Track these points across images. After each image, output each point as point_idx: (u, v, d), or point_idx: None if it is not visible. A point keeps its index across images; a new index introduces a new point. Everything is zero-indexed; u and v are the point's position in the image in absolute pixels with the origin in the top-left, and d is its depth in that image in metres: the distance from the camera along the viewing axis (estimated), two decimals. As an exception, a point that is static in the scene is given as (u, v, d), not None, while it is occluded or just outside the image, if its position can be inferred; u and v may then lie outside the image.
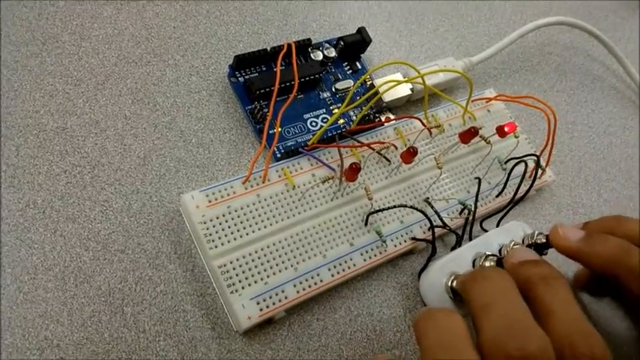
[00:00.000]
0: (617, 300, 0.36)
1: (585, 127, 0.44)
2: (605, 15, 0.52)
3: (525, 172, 0.33)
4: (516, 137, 0.35)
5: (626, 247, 0.27)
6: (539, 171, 0.33)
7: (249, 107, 0.32)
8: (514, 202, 0.33)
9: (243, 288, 0.27)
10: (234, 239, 0.28)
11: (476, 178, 0.34)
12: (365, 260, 0.30)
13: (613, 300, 0.36)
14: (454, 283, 0.29)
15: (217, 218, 0.28)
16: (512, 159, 0.34)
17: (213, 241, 0.27)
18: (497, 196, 0.35)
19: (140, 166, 0.30)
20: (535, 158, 0.33)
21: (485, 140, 0.34)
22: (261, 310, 0.27)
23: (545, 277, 0.25)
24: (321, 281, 0.28)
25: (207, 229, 0.27)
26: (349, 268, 0.29)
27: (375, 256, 0.30)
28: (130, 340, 0.26)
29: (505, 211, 0.33)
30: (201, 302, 0.27)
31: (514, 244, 0.31)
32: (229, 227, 0.28)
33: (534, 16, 0.43)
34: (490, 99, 0.37)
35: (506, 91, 0.41)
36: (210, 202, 0.28)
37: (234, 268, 0.27)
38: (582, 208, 0.40)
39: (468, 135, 0.32)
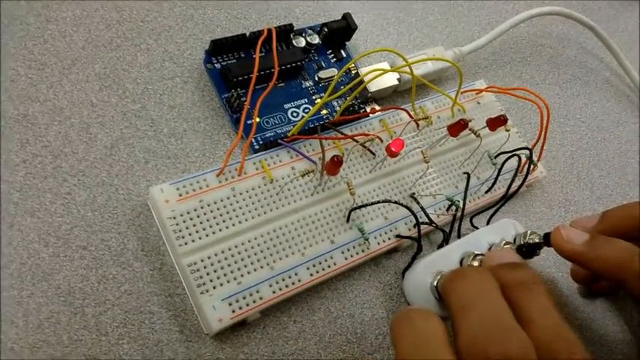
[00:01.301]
0: (610, 300, 0.35)
1: (578, 122, 0.43)
2: (599, 7, 0.50)
3: (520, 166, 0.31)
4: (507, 131, 0.33)
5: (633, 251, 0.26)
6: (531, 166, 0.32)
7: (226, 95, 0.30)
8: (507, 198, 0.31)
9: (214, 288, 0.25)
10: (206, 236, 0.26)
11: (464, 173, 0.32)
12: (346, 259, 0.28)
13: (606, 301, 0.35)
14: (440, 283, 0.28)
15: (188, 213, 0.26)
16: (502, 153, 0.33)
17: (182, 237, 0.25)
18: (486, 192, 0.33)
19: (106, 156, 0.28)
20: (527, 152, 0.31)
21: (474, 133, 0.32)
22: (233, 311, 0.25)
23: (524, 281, 0.24)
24: (299, 281, 0.27)
25: (177, 224, 0.26)
26: (329, 267, 0.27)
27: (357, 254, 0.28)
28: (90, 343, 0.24)
29: (496, 207, 0.32)
30: (169, 303, 0.26)
31: (505, 244, 0.30)
32: (201, 223, 0.26)
33: (527, 7, 0.42)
34: (480, 90, 0.35)
35: (497, 83, 0.39)
36: (180, 195, 0.26)
37: (205, 267, 0.25)
38: (574, 206, 0.38)
39: (458, 128, 0.30)
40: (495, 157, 0.33)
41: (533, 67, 0.43)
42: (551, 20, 0.46)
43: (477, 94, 0.36)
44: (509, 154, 0.31)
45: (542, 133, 0.33)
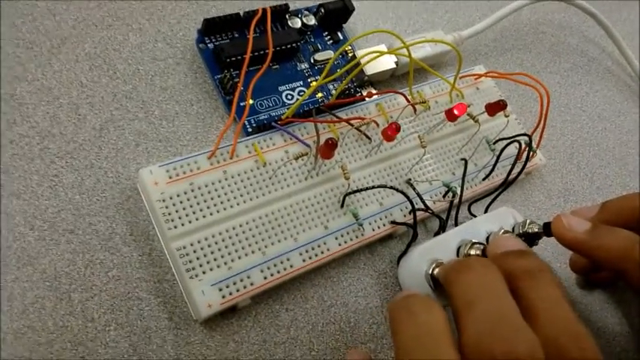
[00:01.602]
0: (608, 292, 0.34)
1: (579, 111, 0.42)
2: (603, -5, 0.49)
3: (519, 153, 0.30)
4: (506, 117, 0.32)
5: (635, 240, 0.25)
6: (531, 153, 0.31)
7: (219, 76, 0.29)
8: (506, 185, 0.30)
9: (204, 273, 0.24)
10: (196, 220, 0.25)
11: (462, 159, 0.32)
12: (340, 245, 0.27)
13: (604, 293, 0.34)
14: (435, 271, 0.27)
15: (178, 196, 0.25)
16: (501, 139, 0.32)
17: (172, 220, 0.25)
18: (484, 179, 0.32)
19: (95, 138, 0.27)
20: (527, 138, 0.30)
21: (473, 119, 0.31)
22: (223, 297, 0.24)
23: (530, 270, 0.23)
24: (292, 267, 0.26)
25: (167, 207, 0.25)
26: (322, 253, 0.27)
27: (352, 240, 0.28)
28: (76, 330, 0.23)
29: (495, 195, 0.31)
30: (158, 289, 0.25)
31: (503, 233, 0.29)
32: (191, 206, 0.25)
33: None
34: (480, 75, 0.35)
35: (497, 69, 0.39)
36: (170, 178, 0.25)
37: (194, 251, 0.25)
38: (573, 196, 0.37)
39: (453, 113, 0.30)
40: (494, 143, 0.33)
41: (534, 54, 0.42)
42: (553, 7, 0.45)
43: (475, 79, 0.35)
44: (509, 141, 0.31)
45: (542, 119, 0.32)
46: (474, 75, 0.35)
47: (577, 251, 0.27)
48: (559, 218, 0.27)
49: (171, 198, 0.25)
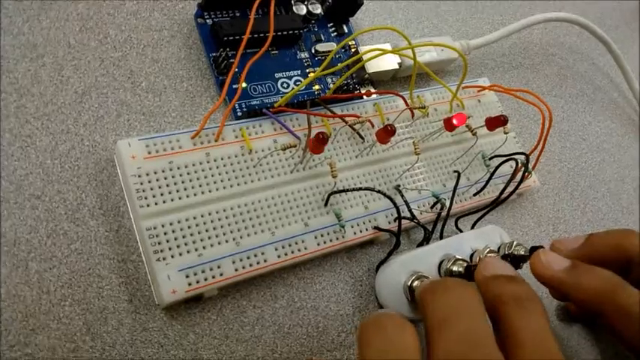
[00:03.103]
0: (587, 328, 0.33)
1: (579, 139, 0.41)
2: (617, 25, 0.49)
3: (515, 172, 0.29)
4: (506, 133, 0.31)
5: (615, 282, 0.24)
6: (525, 173, 0.30)
7: (214, 54, 0.28)
8: (497, 203, 0.29)
9: (172, 257, 0.23)
10: (171, 200, 0.24)
11: (455, 171, 0.31)
12: (319, 245, 0.26)
13: (583, 328, 0.33)
14: (415, 284, 0.26)
15: (155, 173, 0.24)
16: (498, 156, 0.31)
17: (145, 198, 0.23)
18: (474, 195, 0.31)
19: (76, 103, 0.26)
20: (524, 158, 0.29)
21: (471, 131, 0.30)
22: (189, 284, 0.23)
23: (519, 297, 0.22)
24: (265, 261, 0.25)
25: (141, 183, 0.24)
26: (299, 250, 0.25)
27: (331, 241, 0.26)
28: (29, 301, 0.22)
29: (484, 212, 0.30)
30: (121, 269, 0.24)
31: (489, 252, 0.28)
32: (167, 186, 0.24)
33: (544, 11, 0.40)
34: (483, 88, 0.34)
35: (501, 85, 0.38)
36: (149, 153, 0.24)
37: (165, 233, 0.23)
38: (563, 224, 0.37)
39: (452, 123, 0.28)
40: (490, 159, 0.32)
41: (541, 75, 0.41)
42: (566, 30, 0.44)
43: (478, 91, 0.34)
44: (506, 158, 0.30)
45: (542, 140, 0.31)
46: (478, 87, 0.34)
47: (554, 290, 0.26)
48: (537, 255, 0.26)
49: (147, 174, 0.24)
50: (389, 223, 0.28)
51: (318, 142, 0.25)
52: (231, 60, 0.28)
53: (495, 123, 0.30)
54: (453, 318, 0.20)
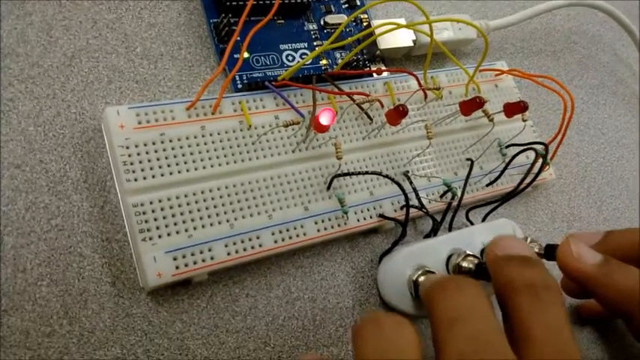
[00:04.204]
0: (600, 331, 0.31)
1: (598, 133, 0.39)
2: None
3: (534, 163, 0.28)
4: (524, 121, 0.29)
5: None
6: (543, 165, 0.28)
7: (215, 20, 0.26)
8: (513, 195, 0.27)
9: (159, 237, 0.21)
10: (161, 175, 0.22)
11: (467, 159, 0.29)
12: (319, 231, 0.24)
13: (595, 331, 0.31)
14: (420, 279, 0.24)
15: (145, 145, 0.22)
16: (514, 145, 0.29)
17: (133, 172, 0.22)
18: (487, 185, 0.29)
19: (64, 66, 0.24)
20: (542, 148, 0.27)
21: (488, 117, 0.28)
22: (177, 267, 0.21)
23: (533, 285, 0.20)
24: (260, 246, 0.23)
25: (129, 155, 0.22)
26: (298, 236, 0.24)
27: (332, 228, 0.24)
28: (2, 279, 0.20)
29: (497, 204, 0.28)
30: (105, 248, 0.22)
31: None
32: (158, 159, 0.22)
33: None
34: (502, 72, 0.31)
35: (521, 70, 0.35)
36: (139, 123, 0.22)
37: (153, 211, 0.21)
38: (578, 222, 0.35)
39: (471, 105, 0.26)
40: (506, 147, 0.30)
41: (561, 63, 0.39)
42: (589, 17, 0.42)
43: (496, 75, 0.32)
44: (524, 147, 0.28)
45: (563, 130, 0.29)
46: (496, 70, 0.32)
47: (582, 285, 0.24)
48: (567, 244, 0.23)
49: (136, 146, 0.22)
50: (395, 211, 0.26)
51: (397, 115, 0.23)
52: (233, 27, 0.26)
53: (514, 109, 0.27)
54: (465, 317, 0.18)
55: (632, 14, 0.45)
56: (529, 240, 0.27)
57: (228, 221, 0.23)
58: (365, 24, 0.29)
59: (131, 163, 0.22)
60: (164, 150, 0.22)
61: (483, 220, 0.29)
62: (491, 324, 0.19)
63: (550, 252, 0.25)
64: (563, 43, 0.40)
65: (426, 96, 0.28)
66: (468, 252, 0.25)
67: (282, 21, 0.27)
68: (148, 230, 0.21)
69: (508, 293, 0.20)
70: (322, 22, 0.28)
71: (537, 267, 0.21)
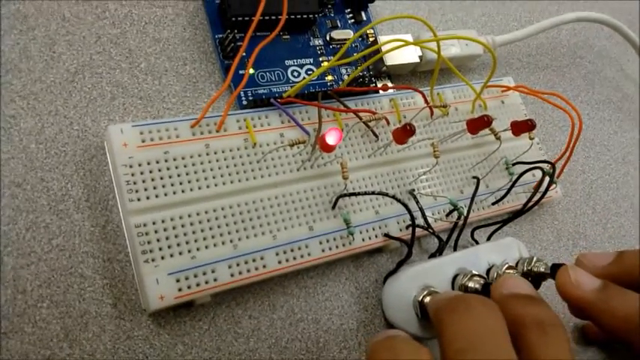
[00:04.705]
0: (605, 352, 0.31)
1: (604, 149, 0.39)
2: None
3: (540, 182, 0.27)
4: (531, 139, 0.29)
5: None
6: (549, 184, 0.28)
7: (220, 36, 0.26)
8: (520, 214, 0.27)
9: (162, 258, 0.21)
10: (165, 195, 0.22)
11: (474, 177, 0.28)
12: (324, 251, 0.24)
13: (600, 352, 0.31)
14: (426, 300, 0.24)
15: (148, 164, 0.22)
16: (520, 162, 0.28)
17: (136, 191, 0.21)
18: (493, 204, 0.29)
19: (67, 82, 0.23)
20: (549, 167, 0.27)
21: (495, 135, 0.28)
22: (180, 290, 0.21)
23: (541, 322, 0.20)
24: (264, 267, 0.22)
25: (132, 175, 0.21)
26: (302, 257, 0.23)
27: (337, 248, 0.24)
28: (3, 300, 0.20)
29: (502, 223, 0.28)
30: (106, 269, 0.21)
31: (507, 267, 0.26)
32: (161, 179, 0.22)
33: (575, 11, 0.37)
34: (509, 88, 0.31)
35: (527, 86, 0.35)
36: (143, 142, 0.22)
37: (155, 232, 0.21)
38: (584, 241, 0.34)
39: (479, 124, 0.26)
40: (513, 165, 0.29)
41: (567, 79, 0.39)
42: (595, 32, 0.42)
43: (503, 91, 0.31)
44: (531, 166, 0.27)
45: (570, 148, 0.29)
46: (502, 87, 0.31)
47: (582, 311, 0.24)
48: (565, 271, 0.24)
49: (139, 165, 0.21)
50: (400, 230, 0.26)
51: (405, 134, 0.23)
52: (239, 43, 0.25)
53: (522, 128, 0.27)
54: (477, 344, 0.18)
55: (639, 29, 0.45)
56: (535, 259, 0.26)
57: (232, 242, 0.22)
58: (372, 40, 0.29)
59: (134, 183, 0.21)
60: (168, 169, 0.22)
61: (489, 238, 0.29)
62: (504, 350, 0.18)
63: (556, 271, 0.25)
64: (569, 58, 0.40)
65: (432, 113, 0.28)
66: (474, 272, 0.25)
67: (288, 36, 0.27)
68: (151, 251, 0.21)
69: (517, 328, 0.20)
70: (328, 38, 0.28)
71: (543, 305, 0.21)
